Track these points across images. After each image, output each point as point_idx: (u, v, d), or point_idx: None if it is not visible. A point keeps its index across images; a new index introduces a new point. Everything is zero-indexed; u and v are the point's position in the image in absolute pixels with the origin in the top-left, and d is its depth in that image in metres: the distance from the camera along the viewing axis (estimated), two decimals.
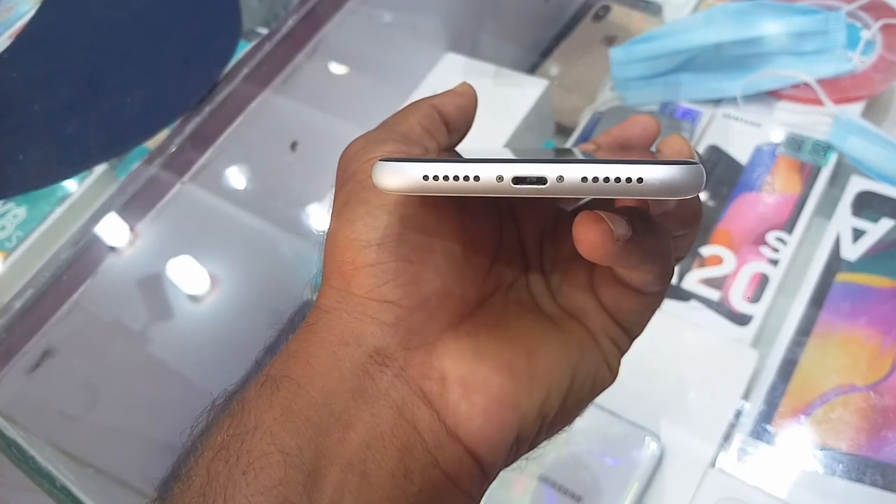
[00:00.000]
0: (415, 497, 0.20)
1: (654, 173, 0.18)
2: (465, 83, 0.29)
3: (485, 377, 0.22)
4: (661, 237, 0.23)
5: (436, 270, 0.23)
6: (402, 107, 0.28)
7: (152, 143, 0.58)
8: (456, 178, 0.19)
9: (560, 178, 0.18)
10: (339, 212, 0.23)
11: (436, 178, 0.19)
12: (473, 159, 0.19)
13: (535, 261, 0.27)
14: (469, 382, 0.22)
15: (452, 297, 0.23)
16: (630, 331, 0.26)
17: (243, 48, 0.62)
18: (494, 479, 0.23)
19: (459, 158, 0.20)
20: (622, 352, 0.26)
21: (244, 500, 0.19)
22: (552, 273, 0.27)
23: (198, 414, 0.23)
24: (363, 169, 0.24)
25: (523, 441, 0.23)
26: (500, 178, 0.18)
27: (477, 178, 0.19)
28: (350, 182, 0.24)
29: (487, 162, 0.19)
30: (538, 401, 0.23)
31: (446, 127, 0.28)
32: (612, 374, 0.26)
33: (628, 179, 0.18)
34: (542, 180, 0.18)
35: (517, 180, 0.18)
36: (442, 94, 0.29)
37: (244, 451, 0.20)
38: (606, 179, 0.18)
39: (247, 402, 0.21)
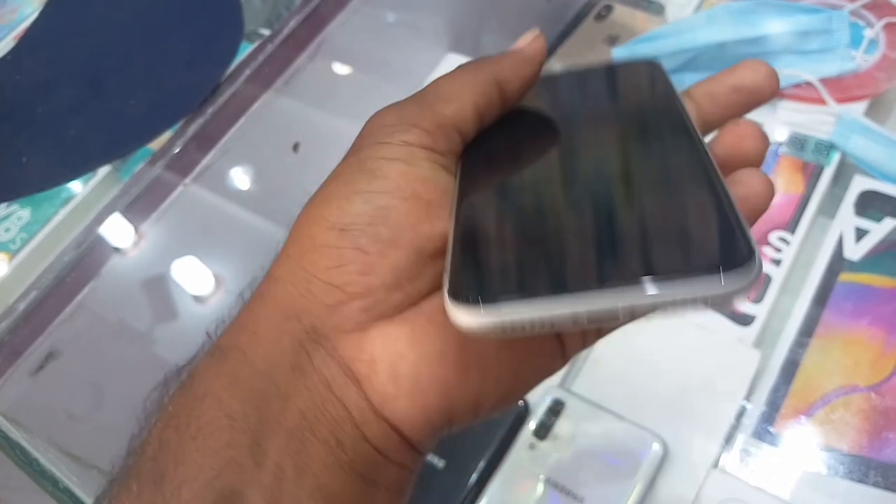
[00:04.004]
0: (348, 465, 0.22)
1: (715, 293, 0.18)
2: (538, 36, 0.26)
3: (414, 363, 0.22)
4: None
5: (392, 266, 0.23)
6: None
7: (155, 144, 0.58)
8: (532, 326, 0.19)
9: (630, 314, 0.18)
10: (328, 182, 0.24)
11: (511, 328, 0.19)
12: (546, 295, 0.19)
13: None
14: (397, 366, 0.22)
15: (401, 291, 0.23)
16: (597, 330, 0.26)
17: (245, 49, 0.62)
18: (429, 451, 0.24)
19: (530, 294, 0.19)
20: (585, 345, 0.26)
21: (194, 463, 0.20)
22: None
23: (150, 390, 0.23)
24: (371, 148, 0.24)
25: (457, 423, 0.23)
26: (575, 321, 0.18)
27: (553, 325, 0.19)
28: (355, 156, 0.24)
29: (560, 297, 0.18)
30: (471, 392, 0.23)
31: (503, 103, 0.26)
32: (564, 362, 0.25)
33: (693, 301, 0.18)
34: (614, 317, 0.18)
35: (592, 320, 0.18)
36: (508, 59, 0.26)
37: (194, 417, 0.21)
38: (673, 304, 0.18)
39: (196, 372, 0.22)
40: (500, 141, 0.26)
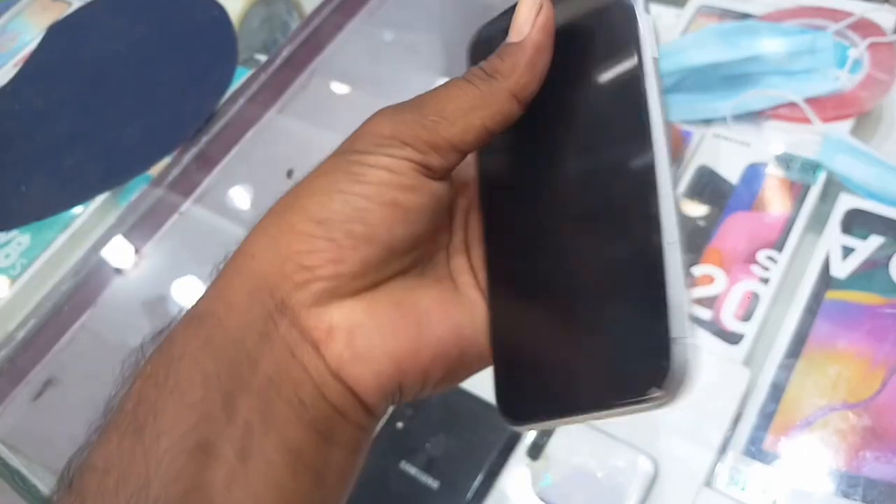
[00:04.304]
0: (310, 422, 0.24)
1: (645, 409, 0.23)
2: (543, 7, 0.25)
3: (368, 335, 0.25)
4: None
5: (362, 259, 0.24)
6: None
7: (154, 169, 0.59)
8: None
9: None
10: (314, 176, 0.25)
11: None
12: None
13: (459, 236, 0.29)
14: (353, 336, 0.24)
15: (366, 278, 0.25)
16: None
17: (242, 74, 0.64)
18: (382, 415, 0.26)
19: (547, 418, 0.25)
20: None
21: (171, 415, 0.22)
22: (474, 250, 0.28)
23: (126, 355, 0.25)
24: (358, 158, 0.25)
25: (407, 392, 0.26)
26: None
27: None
28: (343, 155, 0.25)
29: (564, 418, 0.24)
30: (421, 366, 0.25)
31: (522, 109, 0.25)
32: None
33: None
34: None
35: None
36: (522, 66, 0.25)
37: (171, 374, 0.23)
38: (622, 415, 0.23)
39: (174, 336, 0.24)
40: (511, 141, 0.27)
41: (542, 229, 0.26)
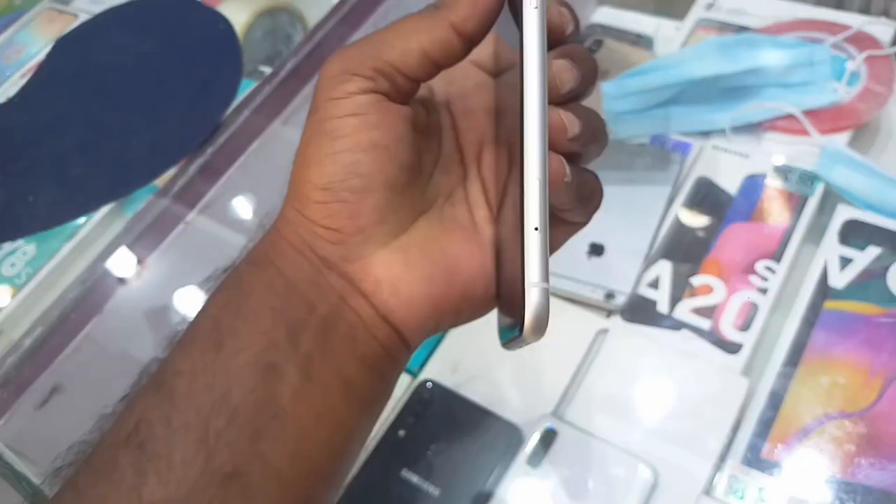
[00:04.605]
0: (360, 357, 0.28)
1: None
2: None
3: (409, 284, 0.28)
4: (590, 176, 0.28)
5: (373, 206, 0.27)
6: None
7: (160, 181, 0.60)
8: None
9: None
10: (303, 146, 0.28)
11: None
12: None
13: (473, 170, 0.31)
14: (396, 286, 0.28)
15: (387, 224, 0.28)
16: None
17: (246, 86, 0.64)
18: (417, 348, 0.30)
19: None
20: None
21: (246, 337, 0.26)
22: (489, 180, 0.31)
23: (215, 271, 0.31)
24: (325, 107, 0.27)
25: (441, 327, 0.30)
26: None
27: None
28: (314, 115, 0.28)
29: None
30: (454, 305, 0.29)
31: (466, 43, 0.27)
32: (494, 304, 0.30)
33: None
34: None
35: None
36: (467, 4, 0.27)
37: (243, 305, 0.27)
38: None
39: (241, 274, 0.28)
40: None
41: (502, 172, 0.29)
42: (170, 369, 0.26)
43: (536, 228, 0.24)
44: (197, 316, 0.28)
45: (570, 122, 0.26)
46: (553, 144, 0.25)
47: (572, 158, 0.26)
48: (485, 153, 0.31)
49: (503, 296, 0.29)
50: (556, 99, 0.26)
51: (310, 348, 0.27)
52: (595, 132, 0.27)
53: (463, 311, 0.29)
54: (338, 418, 0.27)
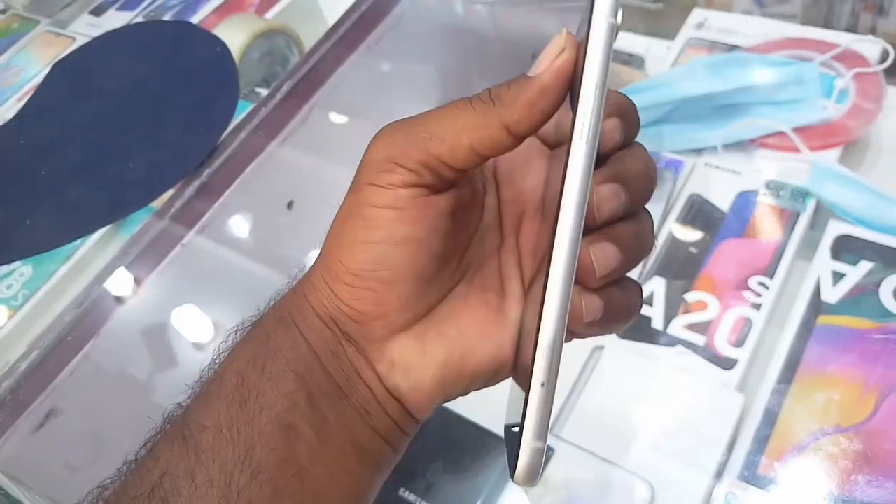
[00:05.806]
0: (373, 427, 0.29)
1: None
2: (565, 49, 0.25)
3: (421, 371, 0.29)
4: (629, 291, 0.27)
5: (399, 296, 0.28)
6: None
7: (157, 202, 0.60)
8: None
9: None
10: (339, 225, 0.29)
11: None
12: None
13: (511, 240, 0.31)
14: (409, 372, 0.29)
15: (411, 310, 0.29)
16: None
17: (243, 108, 0.65)
18: (425, 419, 0.31)
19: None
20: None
21: (269, 397, 0.27)
22: (525, 252, 0.31)
23: (232, 328, 0.30)
24: (365, 191, 0.27)
25: (449, 400, 0.30)
26: None
27: None
28: (354, 196, 0.28)
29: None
30: (464, 384, 0.30)
31: (515, 141, 0.26)
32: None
33: None
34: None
35: None
36: (520, 101, 0.25)
37: (268, 365, 0.28)
38: None
39: (267, 331, 0.29)
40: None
41: (540, 246, 0.28)
42: (195, 423, 0.27)
43: (543, 384, 0.23)
44: (222, 368, 0.29)
45: (605, 258, 0.25)
46: (583, 281, 0.25)
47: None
48: (525, 224, 0.31)
49: (519, 373, 0.28)
50: (597, 224, 0.25)
51: (327, 413, 0.28)
52: (641, 251, 0.26)
53: (473, 387, 0.30)
54: (352, 479, 0.28)
